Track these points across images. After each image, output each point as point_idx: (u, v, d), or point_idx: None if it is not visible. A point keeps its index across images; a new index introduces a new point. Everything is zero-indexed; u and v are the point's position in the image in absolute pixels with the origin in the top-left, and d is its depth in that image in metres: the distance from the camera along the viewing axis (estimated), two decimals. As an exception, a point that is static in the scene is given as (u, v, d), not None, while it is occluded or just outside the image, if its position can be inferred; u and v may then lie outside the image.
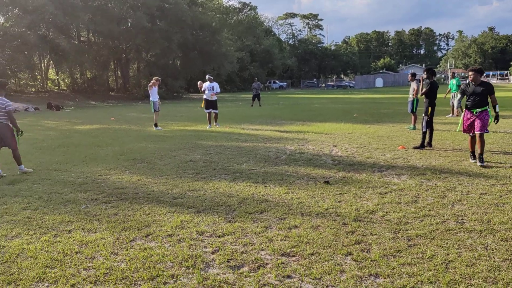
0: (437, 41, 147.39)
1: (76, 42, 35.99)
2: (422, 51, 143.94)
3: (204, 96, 14.78)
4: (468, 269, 3.47)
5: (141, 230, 4.54)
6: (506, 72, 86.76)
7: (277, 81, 78.90)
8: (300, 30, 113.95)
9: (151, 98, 14.45)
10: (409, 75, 13.45)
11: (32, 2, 28.40)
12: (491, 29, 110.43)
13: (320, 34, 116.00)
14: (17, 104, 27.36)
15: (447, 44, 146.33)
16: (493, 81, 79.97)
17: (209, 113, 14.91)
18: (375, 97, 37.03)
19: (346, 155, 8.80)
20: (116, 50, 38.57)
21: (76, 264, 3.69)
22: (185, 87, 44.78)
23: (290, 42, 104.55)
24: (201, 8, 42.92)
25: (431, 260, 3.65)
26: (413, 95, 12.93)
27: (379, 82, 75.43)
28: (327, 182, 6.46)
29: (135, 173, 7.45)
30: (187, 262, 3.71)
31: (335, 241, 4.13)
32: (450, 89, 16.94)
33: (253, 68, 69.42)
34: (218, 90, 14.92)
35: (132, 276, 3.45)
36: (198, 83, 15.34)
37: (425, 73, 9.66)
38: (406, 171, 7.18)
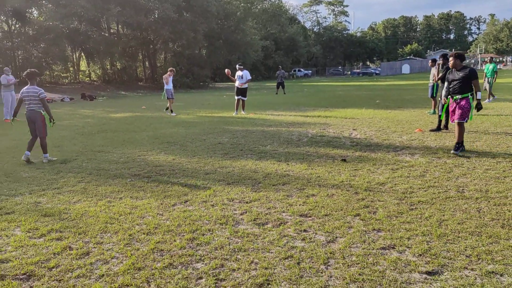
0: (468, 25, 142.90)
1: (107, 34, 37.33)
2: (452, 36, 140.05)
3: (235, 84, 15.49)
4: (459, 226, 4.08)
5: (180, 197, 5.31)
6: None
7: (302, 69, 78.94)
8: (325, 17, 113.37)
9: (165, 87, 16.05)
10: (430, 61, 13.75)
11: (65, -4, 29.75)
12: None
13: (346, 21, 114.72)
14: (53, 95, 28.82)
15: (478, 28, 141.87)
16: (526, 65, 77.40)
17: (238, 100, 15.60)
18: (401, 84, 36.92)
19: (364, 137, 9.37)
20: (144, 41, 39.76)
21: (130, 221, 4.49)
22: (211, 76, 45.61)
23: (315, 29, 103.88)
24: (226, -3, 43.54)
25: (428, 219, 4.27)
26: (433, 80, 13.25)
27: (405, 68, 74.39)
28: (344, 160, 7.09)
29: (169, 153, 8.26)
30: (220, 220, 4.45)
31: (346, 206, 4.79)
32: (486, 73, 16.89)
33: (277, 56, 69.70)
34: (249, 77, 15.58)
35: (176, 230, 4.22)
36: (226, 70, 16.07)
37: (441, 59, 10.07)
38: (420, 150, 7.72)
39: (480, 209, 4.52)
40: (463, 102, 7.26)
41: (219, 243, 3.87)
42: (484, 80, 16.96)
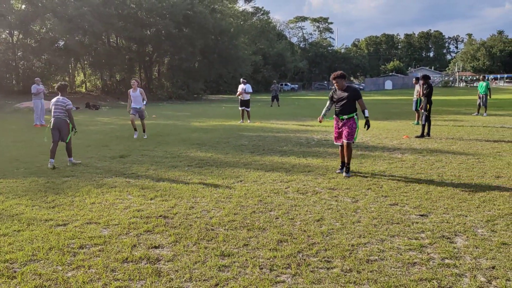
0: (446, 44, 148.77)
1: (108, 47, 38.97)
2: (431, 54, 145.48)
3: (239, 96, 17.35)
4: (439, 193, 5.98)
5: (235, 178, 7.10)
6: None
7: (288, 84, 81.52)
8: (310, 34, 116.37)
9: (133, 105, 12.43)
10: (414, 79, 16.00)
11: (72, 11, 31.34)
12: (500, 32, 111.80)
13: (330, 37, 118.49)
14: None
15: (456, 47, 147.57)
16: (501, 84, 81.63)
17: (242, 110, 17.47)
18: (385, 99, 39.40)
19: (362, 142, 11.31)
20: (142, 53, 41.49)
21: (208, 192, 6.25)
22: (204, 89, 47.49)
23: (301, 45, 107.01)
24: (219, 14, 45.67)
25: (418, 191, 6.17)
26: (416, 95, 15.39)
27: (388, 84, 77.59)
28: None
29: (205, 151, 10.03)
30: (272, 192, 6.26)
31: (360, 183, 6.66)
32: (480, 91, 19.07)
33: (266, 71, 72.06)
34: (250, 90, 17.49)
35: (245, 195, 6.00)
36: (239, 91, 17.42)
37: (421, 80, 12.35)
38: (408, 151, 9.69)
39: (454, 186, 6.45)
40: (350, 122, 7.20)
41: (279, 202, 5.69)
42: (478, 97, 19.11)
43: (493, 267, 3.62)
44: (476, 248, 4.05)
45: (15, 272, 3.63)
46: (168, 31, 36.48)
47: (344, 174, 7.23)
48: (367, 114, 7.34)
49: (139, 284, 3.40)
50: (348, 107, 7.23)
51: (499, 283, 3.34)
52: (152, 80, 45.65)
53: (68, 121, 8.56)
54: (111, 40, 41.69)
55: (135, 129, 12.83)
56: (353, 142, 7.35)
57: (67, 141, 8.52)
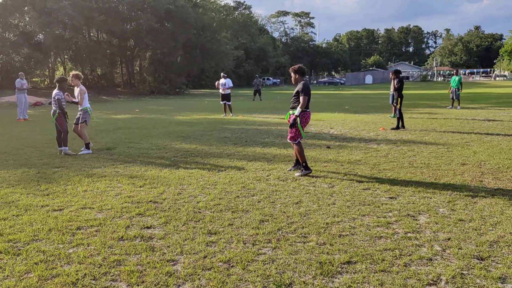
0: (425, 39, 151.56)
1: (88, 41, 38.68)
2: (411, 49, 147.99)
3: (220, 91, 17.73)
4: (408, 180, 6.49)
5: (219, 168, 7.49)
6: (489, 69, 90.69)
7: (270, 78, 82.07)
8: (292, 28, 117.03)
9: (82, 106, 9.39)
10: (390, 74, 16.60)
11: (52, 4, 31.03)
12: (477, 28, 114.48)
13: (312, 32, 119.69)
14: (39, 98, 30.06)
15: (435, 42, 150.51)
16: (477, 78, 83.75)
17: (224, 104, 17.84)
18: (365, 93, 40.23)
19: (340, 133, 11.82)
20: (123, 48, 41.32)
21: (194, 179, 6.63)
22: (186, 84, 47.55)
23: (283, 40, 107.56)
24: (201, 9, 45.73)
25: (389, 177, 6.67)
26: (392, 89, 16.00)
27: (368, 79, 78.85)
28: (328, 147, 9.47)
29: (190, 143, 10.38)
30: (255, 178, 6.67)
31: (337, 171, 7.13)
32: (452, 84, 19.81)
33: (248, 65, 72.36)
34: (231, 85, 17.88)
35: (229, 183, 6.40)
36: (216, 83, 18.32)
37: (392, 74, 12.99)
38: (383, 141, 10.23)
39: (423, 173, 6.98)
40: (292, 118, 6.84)
41: (261, 188, 6.11)
42: (450, 91, 19.88)
43: (449, 239, 4.12)
44: (436, 224, 4.55)
45: (19, 250, 3.97)
46: (150, 25, 36.50)
47: (297, 174, 6.84)
48: (297, 112, 6.73)
49: (135, 258, 3.78)
50: (294, 102, 6.90)
51: (452, 251, 3.84)
52: (134, 75, 45.50)
53: (58, 110, 9.08)
54: (91, 34, 41.37)
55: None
56: (299, 140, 6.93)
57: (63, 129, 9.06)
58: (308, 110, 6.93)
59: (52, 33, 32.08)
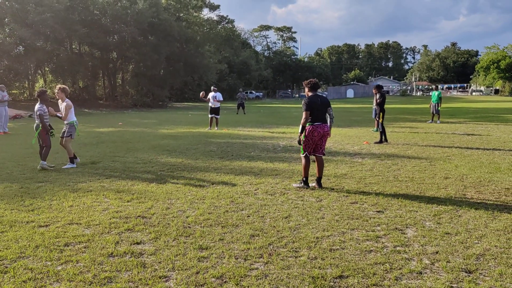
0: (404, 55, 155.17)
1: (70, 53, 38.29)
2: (390, 64, 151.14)
3: (209, 104, 17.74)
4: (394, 194, 6.60)
5: (207, 182, 7.48)
6: (466, 85, 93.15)
7: (253, 92, 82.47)
8: (274, 42, 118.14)
9: (67, 120, 9.42)
10: (373, 89, 16.91)
11: (33, 16, 30.69)
12: (453, 44, 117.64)
13: (294, 46, 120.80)
14: (19, 111, 29.48)
15: (413, 58, 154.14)
16: (454, 93, 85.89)
17: (211, 117, 17.84)
18: (347, 107, 40.75)
19: (325, 147, 11.92)
20: (106, 60, 41.04)
21: (183, 194, 6.60)
22: (169, 97, 47.39)
23: (266, 53, 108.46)
24: (185, 22, 45.89)
25: (376, 191, 6.77)
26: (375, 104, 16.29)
27: (350, 93, 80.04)
28: (314, 161, 9.53)
29: (176, 157, 10.34)
30: (243, 193, 6.69)
31: (325, 185, 7.20)
32: (432, 99, 20.28)
33: (231, 79, 72.56)
34: (220, 98, 17.93)
35: (217, 197, 6.40)
36: (201, 93, 18.35)
37: (374, 89, 13.24)
38: (367, 155, 10.38)
39: (408, 186, 7.11)
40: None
41: (249, 202, 6.12)
42: (431, 105, 20.37)
43: (437, 252, 4.20)
44: (424, 237, 4.63)
45: (6, 267, 3.88)
46: (133, 38, 36.40)
47: (293, 184, 7.24)
48: (299, 128, 7.30)
49: (126, 274, 3.74)
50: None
51: (441, 264, 3.91)
52: (116, 88, 45.14)
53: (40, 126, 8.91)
54: (73, 46, 40.99)
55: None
56: (306, 154, 7.22)
57: (45, 144, 8.96)
58: (317, 123, 7.18)
59: (33, 45, 31.66)
